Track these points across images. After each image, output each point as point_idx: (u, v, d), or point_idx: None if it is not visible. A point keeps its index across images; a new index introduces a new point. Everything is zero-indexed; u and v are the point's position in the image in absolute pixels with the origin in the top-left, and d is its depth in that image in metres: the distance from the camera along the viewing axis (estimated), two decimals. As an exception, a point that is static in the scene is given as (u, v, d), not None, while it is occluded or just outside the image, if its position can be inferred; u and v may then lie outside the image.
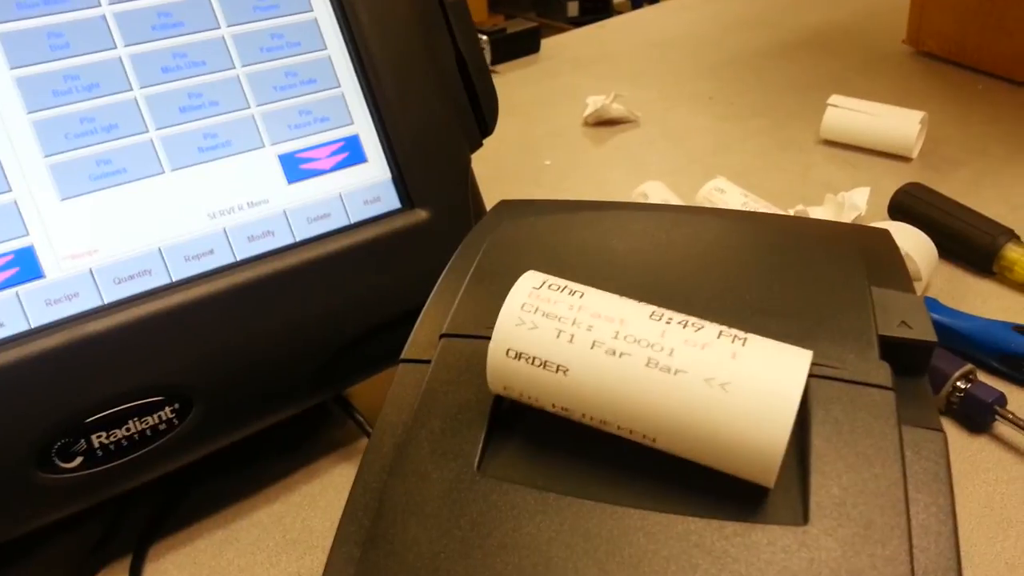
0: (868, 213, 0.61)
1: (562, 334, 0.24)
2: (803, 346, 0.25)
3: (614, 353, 0.23)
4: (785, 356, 0.23)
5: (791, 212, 0.61)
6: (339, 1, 0.41)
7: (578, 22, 2.56)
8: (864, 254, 0.31)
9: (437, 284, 0.33)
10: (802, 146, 0.73)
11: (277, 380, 0.39)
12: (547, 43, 0.97)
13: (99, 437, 0.34)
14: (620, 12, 1.22)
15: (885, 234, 0.34)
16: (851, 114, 0.70)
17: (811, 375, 0.26)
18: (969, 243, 0.55)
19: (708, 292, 0.29)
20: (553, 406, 0.25)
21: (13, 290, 0.33)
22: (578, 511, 0.23)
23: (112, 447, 0.35)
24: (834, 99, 0.71)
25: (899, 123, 0.69)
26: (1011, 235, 0.54)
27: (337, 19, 0.41)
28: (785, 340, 0.25)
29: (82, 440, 0.34)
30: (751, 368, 0.22)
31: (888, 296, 0.29)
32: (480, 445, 0.26)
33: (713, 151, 0.73)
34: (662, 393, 0.23)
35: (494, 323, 0.25)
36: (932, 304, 0.50)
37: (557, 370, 0.24)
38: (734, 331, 0.24)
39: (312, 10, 0.41)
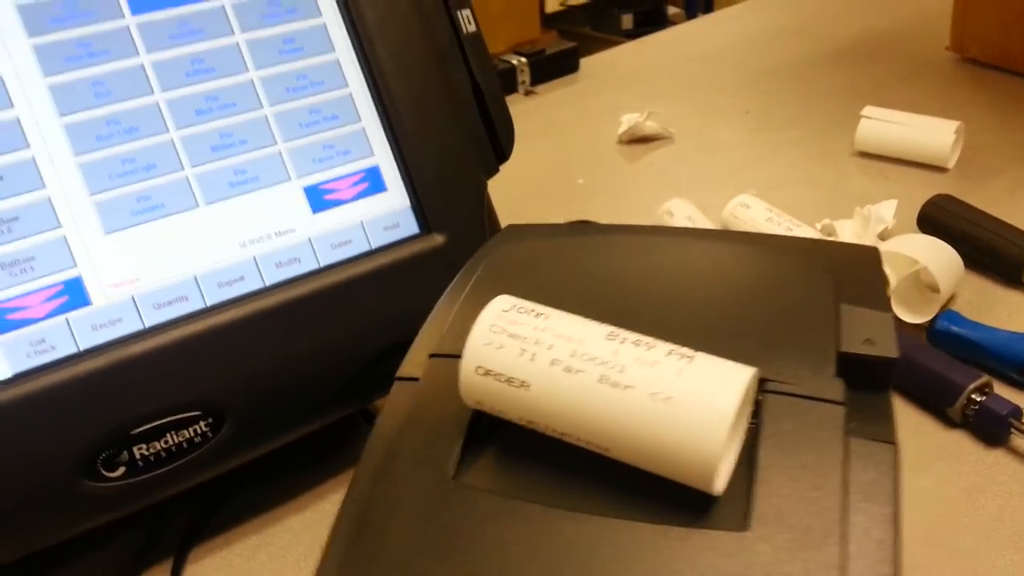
0: (899, 225, 0.60)
1: (524, 353, 0.26)
2: (762, 364, 0.27)
3: (570, 370, 0.25)
4: (725, 372, 0.25)
5: (817, 226, 0.61)
6: (359, 41, 0.44)
7: (632, 35, 2.56)
8: (841, 273, 0.32)
9: (435, 307, 0.35)
10: (836, 158, 0.73)
11: (303, 396, 0.42)
12: (587, 62, 0.99)
13: (140, 449, 0.38)
14: (675, 23, 1.23)
15: (872, 252, 0.35)
16: (885, 125, 0.70)
17: (766, 391, 0.27)
18: (997, 254, 0.55)
19: (680, 314, 0.31)
20: (520, 419, 0.27)
21: (63, 317, 0.37)
22: (540, 517, 0.25)
23: (152, 458, 0.38)
24: (867, 110, 0.71)
25: (934, 134, 0.68)
26: (1040, 245, 0.54)
27: (357, 58, 0.44)
28: (746, 359, 0.26)
29: (125, 451, 0.37)
30: (692, 383, 0.24)
31: (857, 314, 0.30)
32: (456, 456, 0.28)
33: (746, 165, 0.74)
34: (612, 407, 0.25)
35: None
36: (953, 317, 0.50)
37: (520, 385, 0.26)
38: (684, 350, 0.25)
39: (334, 51, 0.44)
